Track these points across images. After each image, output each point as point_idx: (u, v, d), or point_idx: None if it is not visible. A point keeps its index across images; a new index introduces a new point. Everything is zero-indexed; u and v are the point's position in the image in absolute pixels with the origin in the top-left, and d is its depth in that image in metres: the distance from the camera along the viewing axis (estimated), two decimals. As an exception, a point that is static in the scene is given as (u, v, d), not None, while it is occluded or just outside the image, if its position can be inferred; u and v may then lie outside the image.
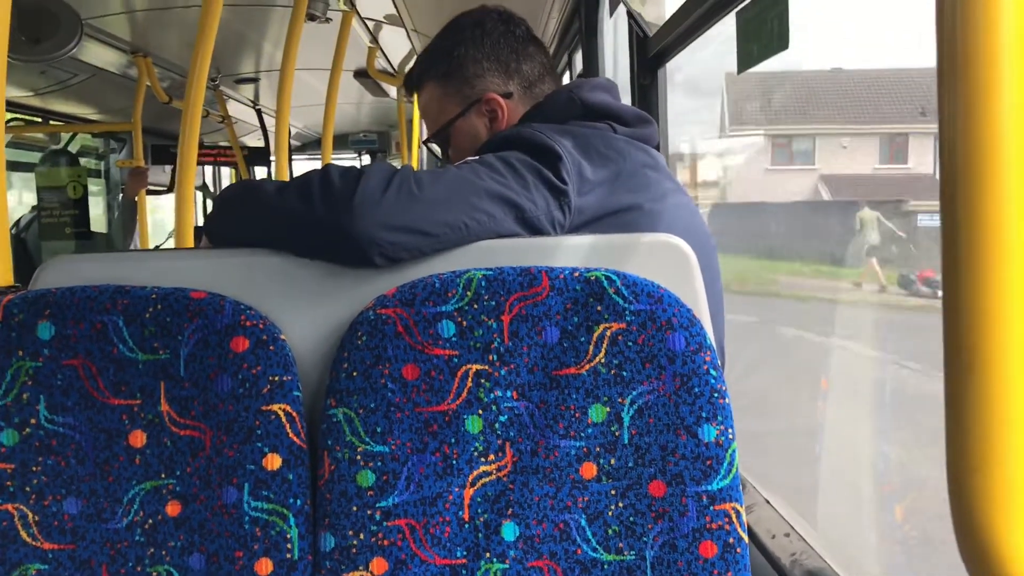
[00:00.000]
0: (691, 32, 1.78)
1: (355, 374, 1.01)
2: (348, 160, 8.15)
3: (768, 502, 1.50)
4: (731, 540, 1.00)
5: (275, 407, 1.01)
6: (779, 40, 1.20)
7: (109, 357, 1.03)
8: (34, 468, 1.03)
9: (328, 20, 3.43)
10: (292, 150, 6.44)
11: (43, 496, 1.03)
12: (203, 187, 7.43)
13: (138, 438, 1.03)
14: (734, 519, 1.00)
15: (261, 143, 6.39)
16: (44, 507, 1.03)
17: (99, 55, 3.72)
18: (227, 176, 7.85)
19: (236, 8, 3.37)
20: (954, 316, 0.49)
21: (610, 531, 1.01)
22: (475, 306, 1.01)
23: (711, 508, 1.00)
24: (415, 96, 1.55)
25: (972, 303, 0.48)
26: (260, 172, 6.97)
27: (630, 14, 2.06)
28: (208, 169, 7.68)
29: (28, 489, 1.03)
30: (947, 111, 0.47)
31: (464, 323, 1.01)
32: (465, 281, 1.02)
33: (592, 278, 1.01)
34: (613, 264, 1.05)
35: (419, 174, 1.07)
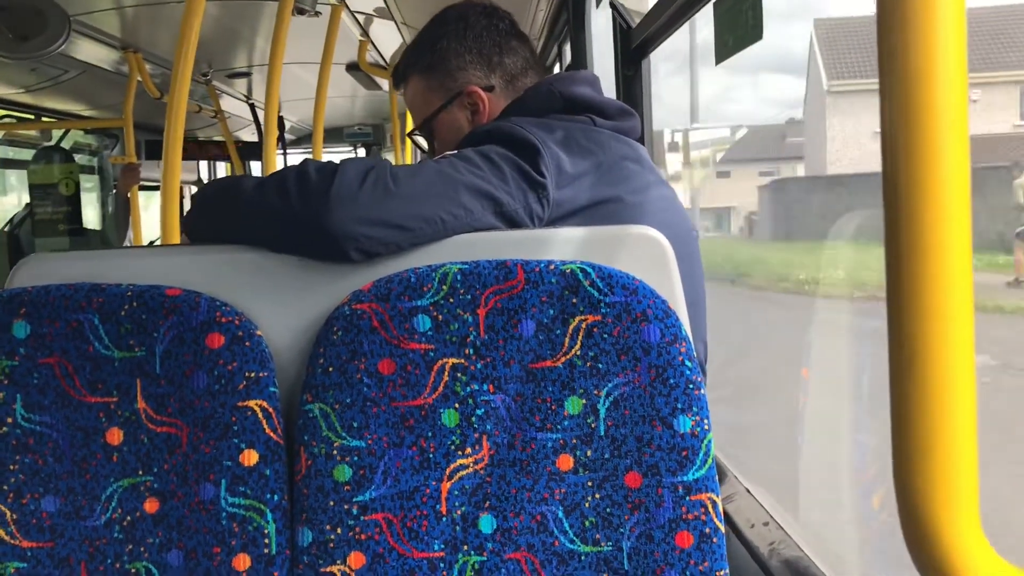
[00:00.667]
0: (673, 22, 1.78)
1: (331, 369, 1.02)
2: (343, 154, 8.14)
3: (748, 492, 1.51)
4: (707, 530, 1.00)
5: (251, 403, 1.01)
6: (753, 31, 1.20)
7: (85, 355, 1.03)
8: (11, 467, 1.03)
9: (317, 14, 3.42)
10: (287, 144, 6.45)
11: (21, 494, 1.03)
12: (198, 182, 7.43)
13: (115, 435, 1.03)
14: (710, 509, 1.00)
15: (255, 137, 6.38)
16: (22, 505, 1.03)
17: (89, 51, 3.71)
18: (222, 171, 7.85)
19: (226, 2, 3.36)
20: (897, 310, 0.49)
21: (587, 522, 1.01)
22: (451, 300, 1.02)
23: (687, 498, 1.00)
24: (403, 89, 1.56)
25: (914, 298, 0.48)
26: (255, 166, 6.97)
27: (613, 5, 2.05)
28: (203, 164, 7.68)
29: (6, 488, 1.03)
30: (887, 111, 0.48)
31: (440, 317, 1.02)
32: (441, 275, 1.02)
33: (567, 271, 1.01)
34: (590, 256, 1.05)
35: (396, 169, 1.07)
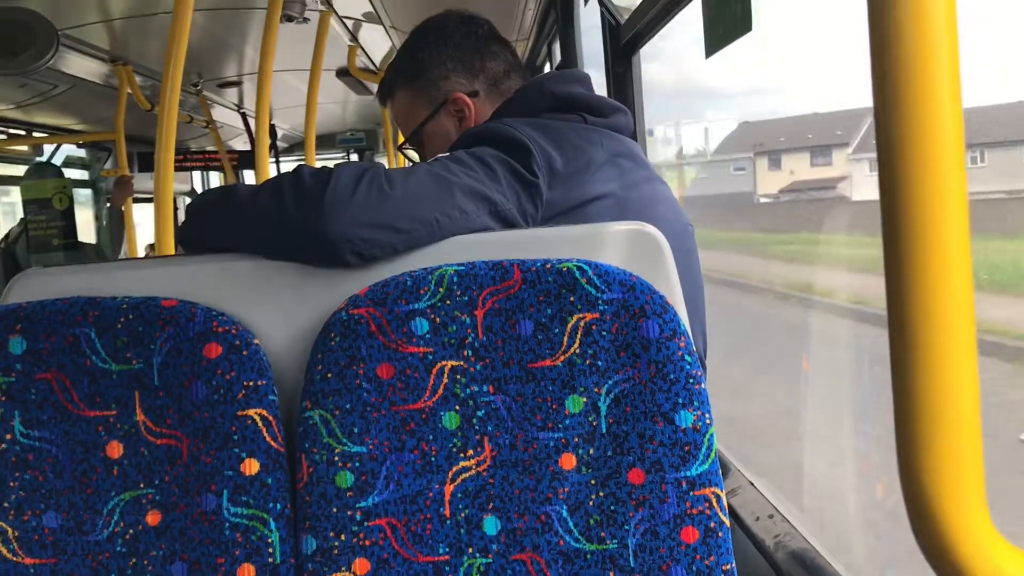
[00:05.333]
0: (662, 17, 1.77)
1: (329, 375, 1.01)
2: (337, 160, 8.13)
3: (752, 484, 1.50)
4: (712, 524, 1.00)
5: (251, 412, 1.01)
6: (742, 23, 1.20)
7: (82, 369, 1.03)
8: (11, 483, 1.03)
9: (306, 20, 3.42)
10: (280, 152, 6.45)
11: (22, 511, 1.03)
12: (191, 192, 7.43)
13: (115, 449, 1.03)
14: (715, 503, 1.00)
15: (248, 146, 6.39)
16: (23, 522, 1.03)
17: (78, 65, 3.71)
18: (215, 181, 7.85)
19: (214, 12, 3.36)
20: (896, 297, 0.49)
21: (591, 521, 1.01)
22: (448, 302, 1.01)
23: (691, 494, 1.00)
24: (390, 105, 1.57)
25: (913, 284, 0.48)
26: (248, 176, 6.96)
27: (601, 1, 2.05)
28: (196, 174, 7.68)
29: (6, 505, 1.03)
30: (881, 104, 0.47)
31: (437, 320, 1.01)
32: (437, 278, 1.02)
33: (564, 269, 1.01)
34: (587, 254, 1.04)
35: (390, 172, 1.07)
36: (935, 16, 0.48)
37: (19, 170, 5.07)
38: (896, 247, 0.48)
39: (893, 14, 0.48)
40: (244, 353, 1.02)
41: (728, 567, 1.00)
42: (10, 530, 1.02)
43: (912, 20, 0.48)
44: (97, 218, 5.84)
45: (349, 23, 3.85)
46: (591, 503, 1.01)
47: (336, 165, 1.07)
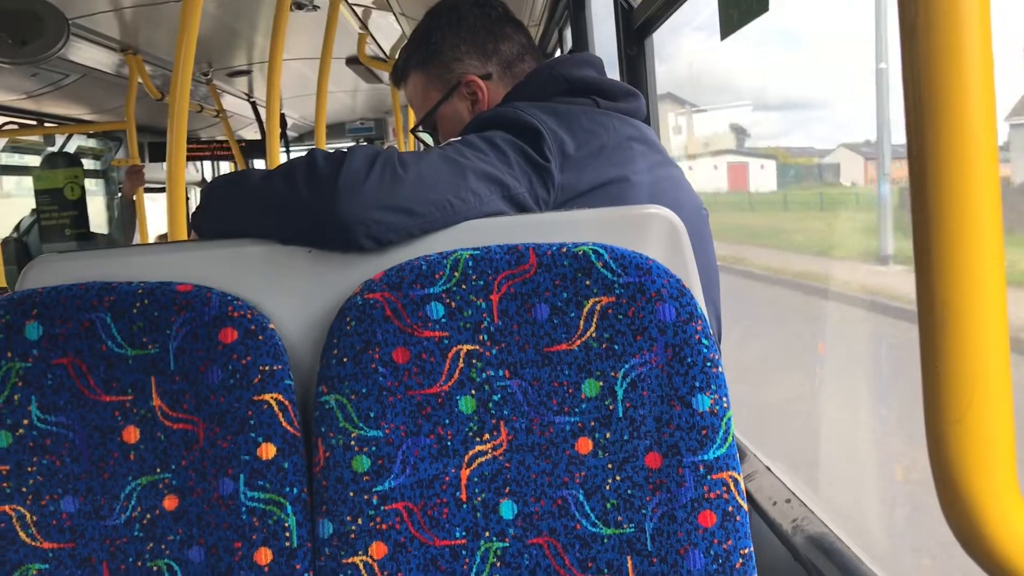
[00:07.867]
0: (675, 1, 1.76)
1: (345, 360, 1.01)
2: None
3: (769, 469, 1.50)
4: (730, 508, 0.99)
5: (267, 396, 1.01)
6: (758, 3, 1.18)
7: (98, 354, 1.03)
8: (29, 468, 1.03)
9: (315, 8, 3.41)
10: (290, 141, 6.45)
11: (40, 496, 1.03)
12: (202, 182, 7.44)
13: (131, 434, 1.03)
14: (732, 487, 0.99)
15: (258, 136, 6.39)
16: (41, 507, 1.03)
17: (88, 54, 3.71)
18: (226, 170, 7.86)
19: (224, 0, 3.35)
20: (926, 271, 0.48)
21: (608, 505, 1.01)
22: (463, 286, 1.01)
23: (708, 478, 0.99)
24: (403, 87, 1.56)
25: (943, 258, 0.47)
26: (259, 164, 6.98)
27: (614, -15, 2.04)
28: (207, 164, 7.69)
29: (24, 490, 1.03)
30: (911, 102, 0.47)
31: (453, 304, 1.01)
32: (452, 262, 1.01)
33: (580, 253, 1.00)
34: (602, 238, 1.04)
35: (403, 155, 1.07)
36: (967, 10, 0.47)
37: (33, 160, 5.09)
38: (925, 221, 0.48)
39: (924, 6, 0.47)
40: (260, 338, 1.02)
41: (746, 551, 1.00)
42: (28, 514, 1.03)
43: (943, 13, 0.47)
44: (108, 208, 5.86)
45: (359, 10, 3.84)
46: (608, 487, 1.01)
47: (349, 148, 1.06)
